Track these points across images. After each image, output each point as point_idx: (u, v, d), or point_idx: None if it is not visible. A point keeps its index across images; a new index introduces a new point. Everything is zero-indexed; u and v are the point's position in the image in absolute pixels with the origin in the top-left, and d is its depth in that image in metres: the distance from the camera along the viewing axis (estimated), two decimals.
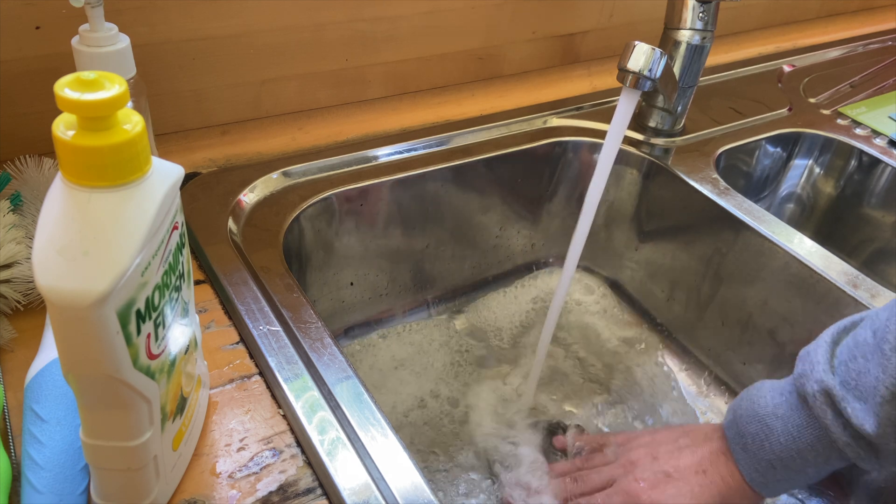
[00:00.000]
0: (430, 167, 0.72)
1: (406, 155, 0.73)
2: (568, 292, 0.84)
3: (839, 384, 0.45)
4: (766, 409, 0.49)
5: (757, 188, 0.88)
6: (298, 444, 0.46)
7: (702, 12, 0.72)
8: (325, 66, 0.76)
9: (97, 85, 0.30)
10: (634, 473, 0.54)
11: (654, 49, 0.60)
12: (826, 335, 0.48)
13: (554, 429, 0.70)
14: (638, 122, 0.80)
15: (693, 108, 0.81)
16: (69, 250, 0.30)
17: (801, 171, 0.88)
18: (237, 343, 0.52)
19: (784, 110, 0.87)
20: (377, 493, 0.42)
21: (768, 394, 0.50)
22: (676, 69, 0.75)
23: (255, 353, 0.51)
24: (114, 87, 0.30)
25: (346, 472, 0.43)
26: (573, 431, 0.68)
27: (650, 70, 0.60)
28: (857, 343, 0.45)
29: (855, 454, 0.45)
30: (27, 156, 0.57)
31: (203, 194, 0.64)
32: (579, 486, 0.57)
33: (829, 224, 0.90)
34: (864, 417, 0.43)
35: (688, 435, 0.55)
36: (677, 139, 0.79)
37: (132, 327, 0.33)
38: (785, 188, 0.90)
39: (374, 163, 0.71)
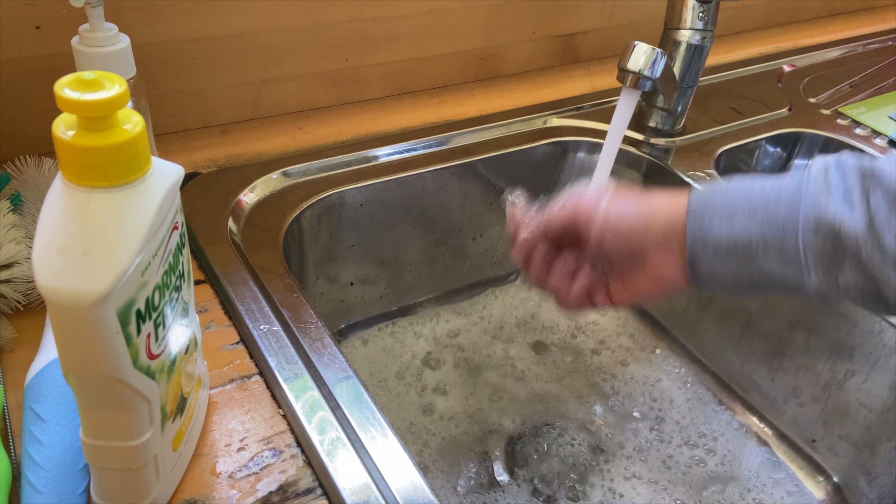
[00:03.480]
0: (430, 167, 0.72)
1: (406, 155, 0.73)
2: None
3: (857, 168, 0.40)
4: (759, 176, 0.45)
5: None
6: (298, 444, 0.46)
7: (702, 12, 0.72)
8: (325, 66, 0.76)
9: (97, 85, 0.30)
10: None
11: (654, 49, 0.60)
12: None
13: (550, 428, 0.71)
14: (638, 122, 0.80)
15: (693, 108, 0.81)
16: (69, 250, 0.30)
17: None
18: (237, 343, 0.52)
19: (784, 110, 0.87)
20: (377, 493, 0.42)
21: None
22: (676, 69, 0.75)
23: (255, 353, 0.51)
24: (114, 87, 0.30)
25: (346, 472, 0.43)
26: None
27: (650, 70, 0.60)
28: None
29: (814, 180, 0.40)
30: (27, 156, 0.57)
31: (203, 194, 0.64)
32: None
33: None
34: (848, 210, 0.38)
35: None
36: (677, 139, 0.79)
37: (132, 327, 0.33)
38: None
39: (374, 163, 0.71)
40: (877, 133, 0.84)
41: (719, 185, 0.45)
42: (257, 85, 0.74)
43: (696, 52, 0.74)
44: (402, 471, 0.44)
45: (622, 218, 0.47)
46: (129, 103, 0.31)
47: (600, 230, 0.47)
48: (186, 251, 0.39)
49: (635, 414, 0.74)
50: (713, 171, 0.75)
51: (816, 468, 0.69)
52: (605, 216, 0.47)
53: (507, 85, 0.88)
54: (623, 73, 0.61)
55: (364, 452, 0.45)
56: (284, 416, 0.47)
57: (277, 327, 0.52)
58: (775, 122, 0.85)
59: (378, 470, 0.44)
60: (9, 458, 0.42)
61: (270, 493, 0.43)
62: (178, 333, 0.38)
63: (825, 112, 0.88)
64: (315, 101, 0.78)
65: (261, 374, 0.50)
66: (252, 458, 0.44)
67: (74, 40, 0.54)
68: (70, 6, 0.52)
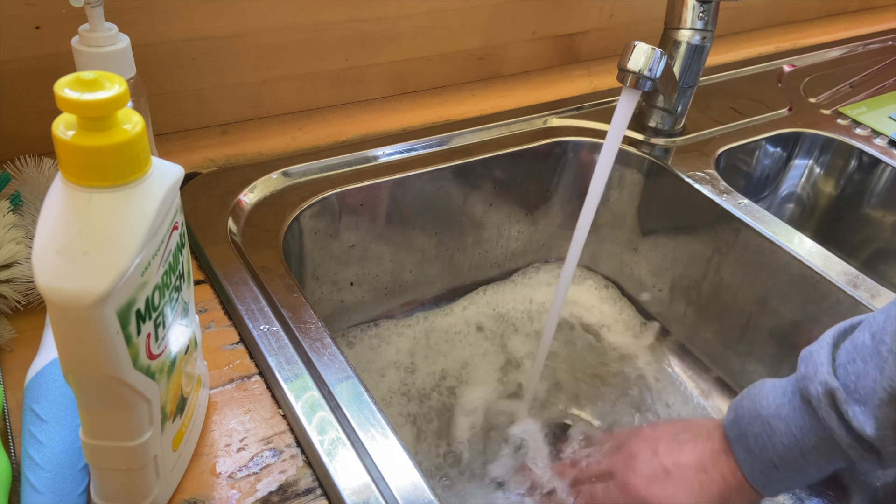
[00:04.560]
0: (430, 167, 0.72)
1: (406, 155, 0.73)
2: (568, 292, 0.84)
3: (841, 386, 0.45)
4: (769, 409, 0.49)
5: (757, 188, 0.88)
6: (298, 444, 0.46)
7: (702, 12, 0.72)
8: (325, 66, 0.76)
9: (97, 85, 0.30)
10: (634, 468, 0.54)
11: (654, 49, 0.60)
12: (827, 336, 0.48)
13: (556, 430, 0.70)
14: (638, 122, 0.80)
15: (693, 108, 0.81)
16: (69, 250, 0.30)
17: (801, 171, 0.88)
18: (237, 343, 0.52)
19: (784, 110, 0.87)
20: (377, 493, 0.42)
21: (770, 394, 0.50)
22: (676, 69, 0.75)
23: (255, 353, 0.51)
24: (114, 87, 0.30)
25: (346, 472, 0.43)
26: (579, 439, 0.68)
27: (650, 70, 0.60)
28: (855, 346, 0.45)
29: (858, 456, 0.45)
30: (27, 156, 0.57)
31: (203, 194, 0.64)
32: (580, 473, 0.58)
33: (829, 224, 0.90)
34: (864, 420, 0.43)
35: (689, 430, 0.55)
36: (677, 139, 0.79)
37: (132, 327, 0.33)
38: (785, 188, 0.90)
39: (374, 163, 0.71)
40: (877, 133, 0.84)
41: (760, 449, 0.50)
42: (257, 85, 0.74)
43: (696, 52, 0.74)
44: (402, 471, 0.44)
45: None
46: (129, 103, 0.31)
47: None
48: (186, 251, 0.39)
49: (635, 414, 0.73)
50: (713, 171, 0.75)
51: None
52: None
53: (507, 85, 0.88)
54: (623, 73, 0.61)
55: (364, 452, 0.45)
56: (284, 416, 0.47)
57: (277, 327, 0.52)
58: (775, 122, 0.85)
59: (378, 470, 0.44)
60: (9, 458, 0.42)
61: (270, 493, 0.43)
62: (178, 333, 0.38)
63: (825, 112, 0.88)
64: (315, 101, 0.78)
65: (261, 374, 0.50)
66: (252, 458, 0.44)
67: (74, 40, 0.54)
68: (70, 6, 0.52)
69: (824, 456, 0.47)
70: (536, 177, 0.80)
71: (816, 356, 0.47)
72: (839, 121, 0.86)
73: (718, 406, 0.75)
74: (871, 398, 0.43)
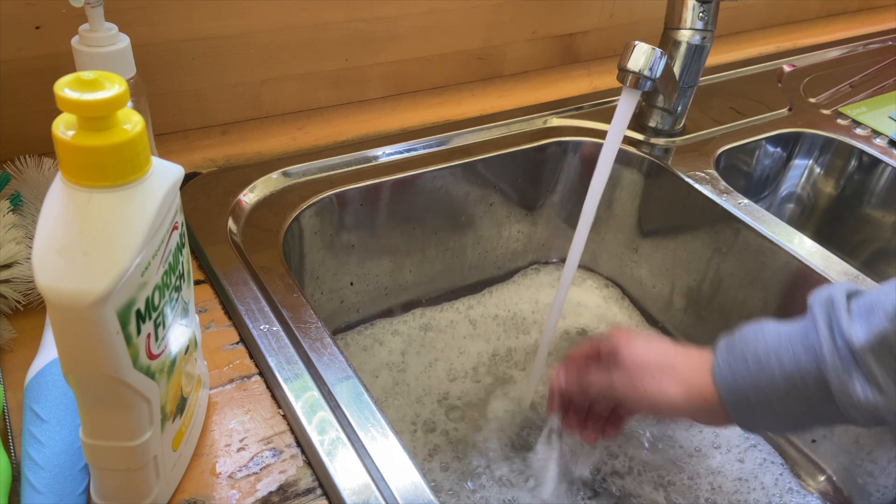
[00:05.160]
0: (430, 167, 0.72)
1: (406, 155, 0.73)
2: (568, 293, 0.84)
3: (846, 299, 0.45)
4: (771, 321, 0.49)
5: (757, 188, 0.88)
6: (298, 444, 0.46)
7: (702, 12, 0.72)
8: (325, 66, 0.76)
9: (97, 85, 0.30)
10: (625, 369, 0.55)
11: (654, 49, 0.60)
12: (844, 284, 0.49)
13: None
14: (638, 122, 0.80)
15: (693, 108, 0.81)
16: (69, 250, 0.30)
17: (801, 171, 0.88)
18: (237, 343, 0.52)
19: (784, 110, 0.87)
20: (377, 493, 0.42)
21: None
22: (676, 69, 0.75)
23: (255, 353, 0.51)
24: (114, 87, 0.30)
25: (346, 472, 0.43)
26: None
27: (650, 70, 0.60)
28: (874, 288, 0.46)
29: (833, 367, 0.44)
30: (27, 156, 0.57)
31: (203, 194, 0.64)
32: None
33: (829, 224, 0.90)
34: (857, 327, 0.43)
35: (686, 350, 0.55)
36: (677, 139, 0.79)
37: (132, 327, 0.33)
38: (785, 188, 0.90)
39: (374, 163, 0.71)
40: (877, 133, 0.84)
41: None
42: (257, 85, 0.74)
43: (696, 52, 0.74)
44: (402, 471, 0.44)
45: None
46: (129, 103, 0.31)
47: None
48: (186, 251, 0.39)
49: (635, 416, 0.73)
50: (713, 171, 0.75)
51: (817, 468, 0.69)
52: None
53: (507, 85, 0.88)
54: (623, 73, 0.61)
55: (364, 452, 0.45)
56: (284, 416, 0.47)
57: (277, 327, 0.52)
58: (775, 122, 0.85)
59: (378, 470, 0.44)
60: (9, 458, 0.42)
61: (270, 493, 0.43)
62: (178, 333, 0.38)
63: (825, 112, 0.88)
64: (315, 101, 0.78)
65: (261, 374, 0.50)
66: (252, 458, 0.44)
67: (74, 40, 0.54)
68: (70, 6, 0.52)
69: (797, 363, 0.45)
70: (536, 177, 0.80)
71: (833, 286, 0.47)
72: (839, 121, 0.86)
73: None
74: (875, 311, 0.43)
